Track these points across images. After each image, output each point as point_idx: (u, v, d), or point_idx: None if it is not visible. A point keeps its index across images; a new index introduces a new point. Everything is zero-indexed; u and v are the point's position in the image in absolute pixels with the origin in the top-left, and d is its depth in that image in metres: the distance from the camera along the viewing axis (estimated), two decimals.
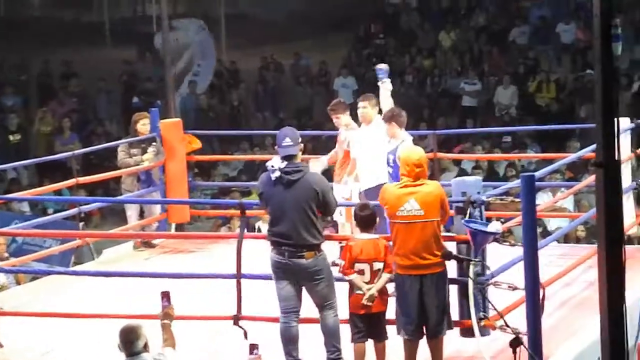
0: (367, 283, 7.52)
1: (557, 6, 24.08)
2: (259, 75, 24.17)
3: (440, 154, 12.43)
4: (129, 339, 5.90)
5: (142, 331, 5.94)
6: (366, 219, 7.63)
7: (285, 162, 7.49)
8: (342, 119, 10.00)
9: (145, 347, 5.95)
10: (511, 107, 20.80)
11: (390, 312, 7.62)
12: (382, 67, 9.90)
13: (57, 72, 24.50)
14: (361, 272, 7.53)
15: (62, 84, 23.48)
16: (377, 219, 7.71)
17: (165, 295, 6.60)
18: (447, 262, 7.49)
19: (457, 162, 16.84)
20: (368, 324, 7.57)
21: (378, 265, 7.53)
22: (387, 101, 9.74)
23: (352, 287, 7.58)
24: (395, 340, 7.63)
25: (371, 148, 9.53)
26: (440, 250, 7.40)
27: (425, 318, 7.44)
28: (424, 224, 7.36)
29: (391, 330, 7.61)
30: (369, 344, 7.64)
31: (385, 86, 9.80)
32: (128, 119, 12.58)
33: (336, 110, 10.01)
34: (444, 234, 7.59)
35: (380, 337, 7.61)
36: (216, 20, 27.44)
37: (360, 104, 9.76)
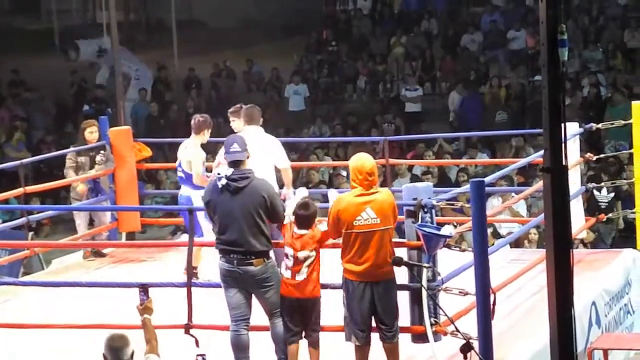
0: (290, 269, 7.45)
1: (508, 13, 24.28)
2: (211, 82, 24.06)
3: (392, 160, 12.44)
4: (117, 347, 5.79)
5: (129, 340, 5.84)
6: (305, 217, 7.57)
7: (232, 170, 7.47)
8: (237, 123, 9.91)
9: (132, 357, 5.84)
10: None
11: (335, 319, 7.58)
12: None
13: (5, 79, 24.22)
14: (285, 256, 7.50)
15: (10, 92, 23.20)
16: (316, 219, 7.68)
17: (144, 289, 6.43)
18: (396, 268, 7.47)
19: (410, 168, 16.85)
20: (300, 319, 7.46)
21: (303, 255, 7.46)
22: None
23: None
24: (336, 344, 7.60)
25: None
26: (392, 257, 7.39)
27: (379, 324, 7.45)
28: (381, 232, 7.38)
29: (339, 336, 7.58)
30: (303, 344, 7.55)
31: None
32: (78, 127, 12.43)
33: (234, 113, 9.98)
34: (395, 240, 7.59)
35: (312, 331, 7.51)
36: (168, 27, 27.30)
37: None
